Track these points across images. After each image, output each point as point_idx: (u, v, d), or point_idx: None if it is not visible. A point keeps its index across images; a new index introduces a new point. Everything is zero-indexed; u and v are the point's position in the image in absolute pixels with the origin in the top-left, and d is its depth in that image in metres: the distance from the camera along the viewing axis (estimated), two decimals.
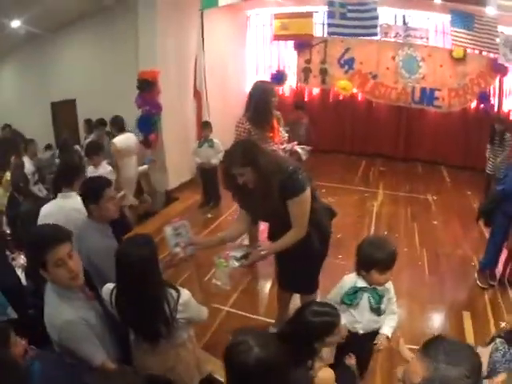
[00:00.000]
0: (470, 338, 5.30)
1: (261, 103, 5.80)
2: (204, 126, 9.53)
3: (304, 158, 6.28)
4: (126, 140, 8.50)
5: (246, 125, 5.90)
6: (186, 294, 3.37)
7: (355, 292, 3.68)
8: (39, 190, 8.61)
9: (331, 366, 3.19)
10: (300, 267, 4.43)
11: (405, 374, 2.15)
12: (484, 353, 2.98)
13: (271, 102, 5.80)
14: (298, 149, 6.21)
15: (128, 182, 8.38)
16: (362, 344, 3.74)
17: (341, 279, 3.89)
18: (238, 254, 4.12)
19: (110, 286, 3.33)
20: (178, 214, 9.14)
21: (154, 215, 9.71)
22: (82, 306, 3.10)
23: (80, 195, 4.24)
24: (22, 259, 5.32)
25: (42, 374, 2.80)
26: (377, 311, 3.70)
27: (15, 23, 10.36)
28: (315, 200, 4.19)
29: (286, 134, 6.38)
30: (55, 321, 2.99)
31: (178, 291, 3.31)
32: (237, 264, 4.07)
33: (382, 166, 12.57)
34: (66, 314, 2.96)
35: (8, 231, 6.79)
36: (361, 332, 3.72)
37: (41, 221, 4.55)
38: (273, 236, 4.35)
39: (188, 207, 9.99)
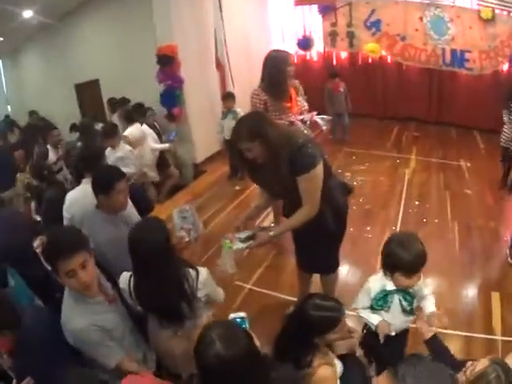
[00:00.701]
0: (497, 324, 5.00)
1: (275, 73, 5.67)
2: (226, 97, 9.51)
3: (324, 128, 6.12)
4: (135, 131, 8.66)
5: (261, 95, 5.81)
6: (204, 271, 3.43)
7: (385, 295, 3.46)
8: (64, 178, 8.58)
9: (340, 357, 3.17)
10: (315, 247, 4.36)
11: None
12: None
13: (286, 71, 5.63)
14: (318, 119, 6.01)
15: (146, 164, 8.62)
16: (395, 342, 3.55)
17: (366, 281, 3.69)
18: (243, 235, 4.01)
19: (126, 274, 3.39)
20: (207, 187, 9.50)
21: (183, 188, 9.84)
22: (98, 310, 3.13)
23: (93, 186, 4.14)
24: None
25: None
26: (410, 312, 3.52)
27: (27, 13, 10.68)
28: (329, 176, 4.04)
29: (306, 104, 6.18)
30: (68, 327, 3.04)
31: (196, 270, 3.37)
32: (242, 245, 3.95)
33: (415, 131, 12.26)
34: (77, 321, 2.99)
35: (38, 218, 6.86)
36: (393, 334, 3.47)
37: (67, 207, 4.63)
38: (287, 213, 4.22)
39: (216, 180, 10.01)
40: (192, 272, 3.34)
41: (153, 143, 8.95)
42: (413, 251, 3.18)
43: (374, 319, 3.49)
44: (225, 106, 9.51)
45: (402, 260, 3.18)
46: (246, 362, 2.30)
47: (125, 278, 3.35)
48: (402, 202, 8.16)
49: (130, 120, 8.90)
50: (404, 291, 3.40)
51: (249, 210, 4.48)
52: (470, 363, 2.70)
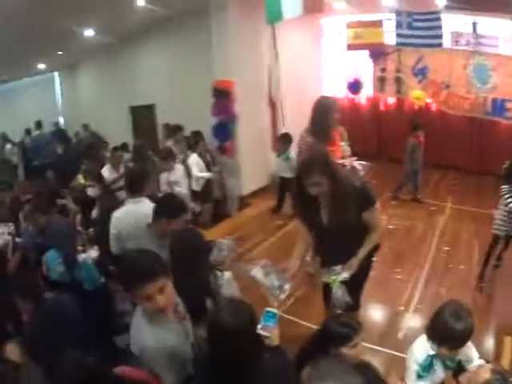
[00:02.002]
0: (506, 364, 5.22)
1: (322, 118, 6.01)
2: (283, 138, 9.72)
3: (362, 173, 6.20)
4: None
5: (307, 138, 6.11)
6: (228, 273, 3.99)
7: (431, 362, 3.41)
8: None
9: None
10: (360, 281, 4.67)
11: None
12: None
13: (331, 118, 5.98)
14: (357, 164, 6.17)
15: None
16: None
17: (417, 342, 3.61)
18: (337, 268, 4.31)
19: None
20: (250, 219, 9.82)
21: (227, 218, 10.22)
22: (169, 329, 3.20)
23: (158, 207, 4.66)
24: (94, 252, 5.92)
25: None
26: (453, 367, 3.50)
27: (88, 32, 11.00)
28: None
29: (348, 149, 6.44)
30: (138, 343, 3.13)
31: (220, 271, 3.94)
32: (345, 274, 4.27)
33: (453, 179, 12.45)
34: (148, 339, 3.05)
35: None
36: None
37: (113, 224, 5.11)
38: (326, 252, 4.56)
39: (259, 213, 10.34)
40: (218, 272, 3.89)
41: (197, 172, 9.18)
42: (466, 325, 3.19)
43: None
44: (280, 146, 9.71)
45: (455, 333, 3.19)
46: (244, 333, 2.80)
47: None
48: (433, 248, 8.46)
49: (189, 147, 9.49)
50: (448, 356, 3.37)
51: (300, 250, 4.76)
52: (472, 370, 3.06)
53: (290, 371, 2.95)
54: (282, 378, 2.89)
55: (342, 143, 6.36)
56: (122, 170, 8.81)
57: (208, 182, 9.54)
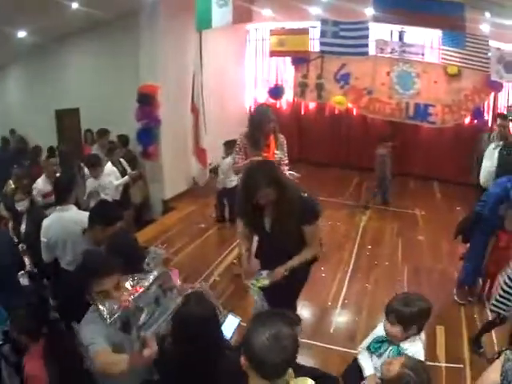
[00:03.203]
0: (441, 352, 5.53)
1: (254, 126, 6.13)
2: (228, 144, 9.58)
3: None
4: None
5: (244, 141, 6.29)
6: (155, 273, 3.80)
7: (381, 341, 3.62)
8: None
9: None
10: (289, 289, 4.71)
11: None
12: (495, 366, 3.12)
13: (265, 127, 6.04)
14: (287, 173, 6.28)
15: None
16: None
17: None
18: (263, 274, 4.50)
19: None
20: (174, 223, 9.77)
21: (151, 223, 10.20)
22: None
23: (94, 215, 4.64)
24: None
25: None
26: None
27: (21, 33, 10.59)
28: None
29: (284, 157, 6.42)
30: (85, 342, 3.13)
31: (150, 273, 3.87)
32: (266, 282, 4.42)
33: (374, 181, 12.59)
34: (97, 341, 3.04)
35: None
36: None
37: (43, 233, 5.11)
38: (265, 257, 4.64)
39: (183, 217, 10.29)
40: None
41: (114, 180, 8.91)
42: (411, 305, 3.42)
43: (367, 369, 3.64)
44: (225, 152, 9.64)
45: (390, 306, 3.49)
46: (207, 322, 3.00)
47: None
48: (356, 246, 8.69)
49: (110, 152, 9.24)
50: (397, 346, 3.51)
51: (245, 256, 4.83)
52: (387, 361, 3.13)
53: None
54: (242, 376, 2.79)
55: (277, 151, 6.31)
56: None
57: (125, 189, 9.33)
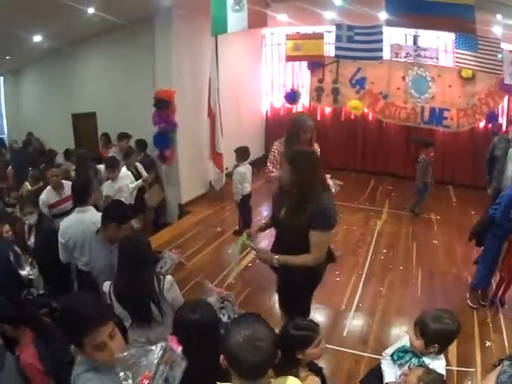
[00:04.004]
0: (453, 356, 5.52)
1: (293, 135, 6.04)
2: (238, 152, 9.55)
3: (334, 190, 6.22)
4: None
5: (280, 147, 6.22)
6: (168, 277, 4.09)
7: (405, 351, 3.58)
8: None
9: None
10: (295, 294, 4.74)
11: None
12: (491, 377, 3.13)
13: (303, 136, 5.98)
14: (330, 181, 6.15)
15: None
16: None
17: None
18: (252, 241, 4.74)
19: (108, 282, 4.04)
20: (189, 227, 9.82)
21: (167, 226, 10.30)
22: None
23: (108, 212, 4.77)
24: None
25: None
26: None
27: (37, 37, 10.68)
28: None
29: None
30: None
31: (163, 276, 4.08)
32: (253, 244, 4.67)
33: (389, 185, 12.84)
34: None
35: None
36: None
37: (61, 233, 5.20)
38: (277, 249, 4.54)
39: (198, 221, 10.34)
40: (160, 277, 4.04)
41: (130, 184, 8.99)
42: (443, 323, 3.38)
43: (387, 376, 3.61)
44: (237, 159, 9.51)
45: (423, 323, 3.42)
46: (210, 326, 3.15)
47: (107, 284, 4.02)
48: (371, 250, 8.73)
49: (126, 156, 9.37)
50: (420, 360, 3.46)
51: (261, 223, 5.07)
52: (406, 372, 3.16)
53: None
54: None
55: None
56: (64, 192, 7.66)
57: (140, 193, 9.44)
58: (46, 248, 5.32)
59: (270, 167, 6.21)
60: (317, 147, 6.37)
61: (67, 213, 6.52)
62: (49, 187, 7.81)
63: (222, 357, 2.41)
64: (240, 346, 2.27)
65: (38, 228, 6.82)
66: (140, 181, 9.27)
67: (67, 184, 7.40)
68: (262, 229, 4.99)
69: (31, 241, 6.87)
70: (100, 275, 4.66)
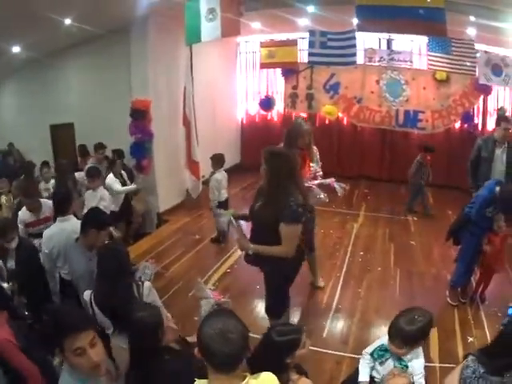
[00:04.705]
0: (435, 353, 5.60)
1: (290, 137, 6.19)
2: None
3: (339, 194, 6.43)
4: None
5: None
6: (147, 283, 4.21)
7: (385, 350, 3.69)
8: None
9: None
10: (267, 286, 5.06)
11: None
12: (456, 370, 3.24)
13: (298, 140, 6.10)
14: (336, 185, 6.37)
15: None
16: None
17: None
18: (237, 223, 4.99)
19: (87, 292, 4.08)
20: (168, 236, 9.83)
21: (146, 235, 10.22)
22: None
23: (87, 218, 4.81)
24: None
25: None
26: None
27: (15, 48, 10.62)
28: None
29: (319, 169, 6.51)
30: None
31: (141, 282, 4.18)
32: (235, 224, 4.93)
33: (365, 188, 12.94)
34: None
35: None
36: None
37: (45, 243, 5.24)
38: (252, 239, 4.76)
39: (178, 229, 10.35)
40: (139, 283, 4.16)
41: (120, 187, 9.14)
42: (413, 324, 3.48)
43: (361, 375, 3.78)
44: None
45: (393, 329, 3.55)
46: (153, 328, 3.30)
47: (87, 293, 4.06)
48: (348, 253, 8.79)
49: (111, 164, 9.46)
50: (399, 358, 3.60)
51: (244, 213, 5.18)
52: (388, 378, 3.32)
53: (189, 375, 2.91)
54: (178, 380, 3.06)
55: (313, 164, 6.41)
56: (43, 212, 7.04)
57: (125, 200, 9.49)
58: (29, 266, 5.26)
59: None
60: (316, 150, 6.50)
61: None
62: (24, 209, 7.10)
63: (196, 349, 2.47)
64: (211, 337, 2.33)
65: (18, 251, 6.58)
66: (133, 185, 9.48)
67: (45, 203, 6.94)
68: (246, 217, 5.10)
69: (11, 264, 6.54)
70: (80, 283, 4.67)
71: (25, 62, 12.34)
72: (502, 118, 8.73)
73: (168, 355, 3.34)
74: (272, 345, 3.36)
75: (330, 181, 6.35)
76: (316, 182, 6.27)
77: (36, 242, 6.34)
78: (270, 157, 4.50)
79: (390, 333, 3.56)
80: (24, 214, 6.98)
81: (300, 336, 3.42)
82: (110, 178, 9.00)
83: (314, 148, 6.49)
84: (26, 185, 8.22)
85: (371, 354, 3.78)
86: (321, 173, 6.50)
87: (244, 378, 2.46)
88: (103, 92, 11.39)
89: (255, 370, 2.83)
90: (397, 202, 11.87)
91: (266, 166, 4.48)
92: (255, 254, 4.59)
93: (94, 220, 4.72)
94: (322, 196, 6.17)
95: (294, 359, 3.38)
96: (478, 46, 10.66)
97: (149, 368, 3.17)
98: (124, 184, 9.36)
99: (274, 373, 2.90)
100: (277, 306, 5.09)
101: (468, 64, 10.67)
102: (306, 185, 5.91)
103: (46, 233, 5.34)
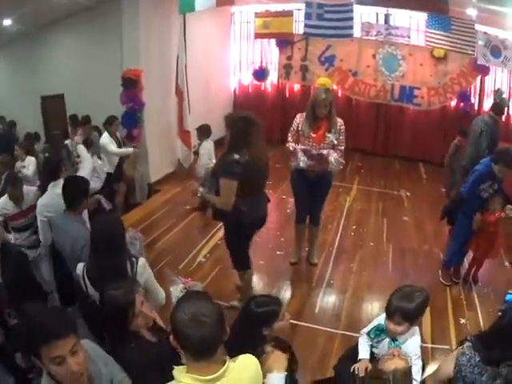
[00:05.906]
0: (427, 333, 5.57)
1: (308, 108, 6.36)
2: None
3: (331, 167, 6.32)
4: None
5: (298, 119, 6.52)
6: (141, 259, 4.05)
7: (382, 330, 3.65)
8: None
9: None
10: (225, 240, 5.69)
11: None
12: (451, 358, 3.21)
13: (315, 109, 6.17)
14: (332, 158, 6.22)
15: None
16: None
17: None
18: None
19: (81, 264, 3.97)
20: (159, 206, 9.78)
21: (137, 206, 10.13)
22: None
23: (78, 189, 4.71)
24: None
25: None
26: None
27: (6, 21, 10.55)
28: (248, 194, 5.07)
29: (335, 141, 6.35)
30: None
31: (136, 258, 4.02)
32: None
33: (359, 162, 12.90)
34: None
35: None
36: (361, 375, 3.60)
37: (43, 210, 5.14)
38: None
39: (169, 199, 10.30)
40: (133, 259, 3.97)
41: (115, 148, 9.12)
42: (410, 301, 3.42)
43: (361, 353, 3.73)
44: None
45: (391, 306, 3.45)
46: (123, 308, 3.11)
47: (80, 266, 3.94)
48: (341, 227, 8.75)
49: (109, 123, 9.38)
50: (393, 339, 3.57)
51: None
52: (386, 358, 3.25)
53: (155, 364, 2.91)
54: (144, 368, 2.95)
55: (329, 135, 6.30)
56: (24, 204, 6.33)
57: (120, 162, 9.45)
58: (19, 271, 4.98)
59: (289, 138, 6.54)
60: (340, 123, 6.42)
61: (29, 226, 6.15)
62: (5, 197, 6.28)
63: (171, 337, 2.41)
64: (184, 322, 2.23)
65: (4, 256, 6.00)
66: (131, 149, 9.48)
67: (28, 192, 6.30)
68: None
69: None
70: (71, 253, 4.44)
71: (15, 35, 12.25)
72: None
73: (135, 342, 3.11)
74: (250, 315, 3.41)
75: (327, 152, 6.22)
76: (315, 151, 6.22)
77: (18, 236, 6.13)
78: (228, 119, 5.18)
79: (387, 310, 3.49)
80: (6, 203, 6.21)
81: (279, 307, 3.46)
82: (105, 138, 8.96)
83: (339, 121, 6.41)
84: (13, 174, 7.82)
85: (368, 334, 3.77)
86: (341, 147, 6.42)
87: (224, 362, 2.34)
88: (94, 63, 11.25)
89: (232, 343, 2.77)
90: (390, 177, 11.86)
91: (226, 126, 5.12)
92: (215, 209, 5.29)
93: (83, 189, 4.70)
94: (300, 161, 6.25)
95: (272, 331, 3.39)
96: (478, 27, 10.57)
97: (114, 355, 2.96)
98: (119, 146, 9.32)
99: (250, 344, 3.00)
100: (238, 261, 5.65)
101: (467, 44, 10.60)
102: (305, 147, 6.27)
103: (41, 201, 5.30)
